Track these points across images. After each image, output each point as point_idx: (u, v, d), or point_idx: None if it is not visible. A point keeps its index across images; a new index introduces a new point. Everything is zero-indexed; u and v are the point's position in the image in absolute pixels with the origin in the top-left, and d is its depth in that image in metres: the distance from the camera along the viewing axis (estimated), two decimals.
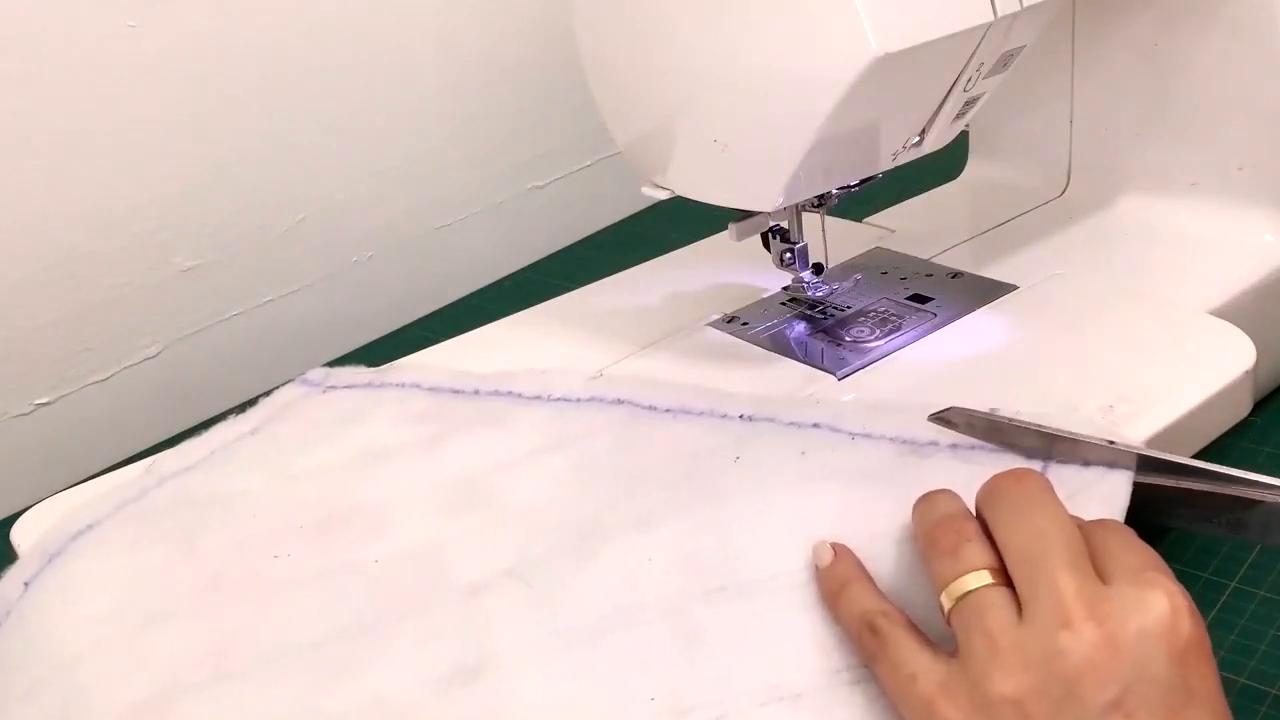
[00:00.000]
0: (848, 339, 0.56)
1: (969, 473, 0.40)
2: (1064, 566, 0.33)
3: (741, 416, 0.48)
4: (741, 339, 0.57)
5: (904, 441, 0.44)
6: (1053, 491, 0.36)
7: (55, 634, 0.43)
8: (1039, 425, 0.43)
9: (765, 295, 0.61)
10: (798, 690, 0.37)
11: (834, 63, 0.44)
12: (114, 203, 0.71)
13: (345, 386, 0.57)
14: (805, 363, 0.54)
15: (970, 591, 0.34)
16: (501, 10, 0.86)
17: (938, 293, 0.59)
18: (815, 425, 0.46)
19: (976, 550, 0.35)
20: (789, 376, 0.53)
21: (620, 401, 0.51)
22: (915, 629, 0.36)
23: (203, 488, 0.50)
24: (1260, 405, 0.55)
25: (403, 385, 0.56)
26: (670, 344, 0.58)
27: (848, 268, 0.63)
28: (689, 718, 0.37)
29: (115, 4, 0.68)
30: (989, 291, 0.58)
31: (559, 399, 0.52)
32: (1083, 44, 0.63)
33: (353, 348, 0.81)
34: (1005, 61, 0.51)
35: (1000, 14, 0.46)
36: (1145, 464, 0.41)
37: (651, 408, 0.50)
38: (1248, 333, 0.50)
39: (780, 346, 0.56)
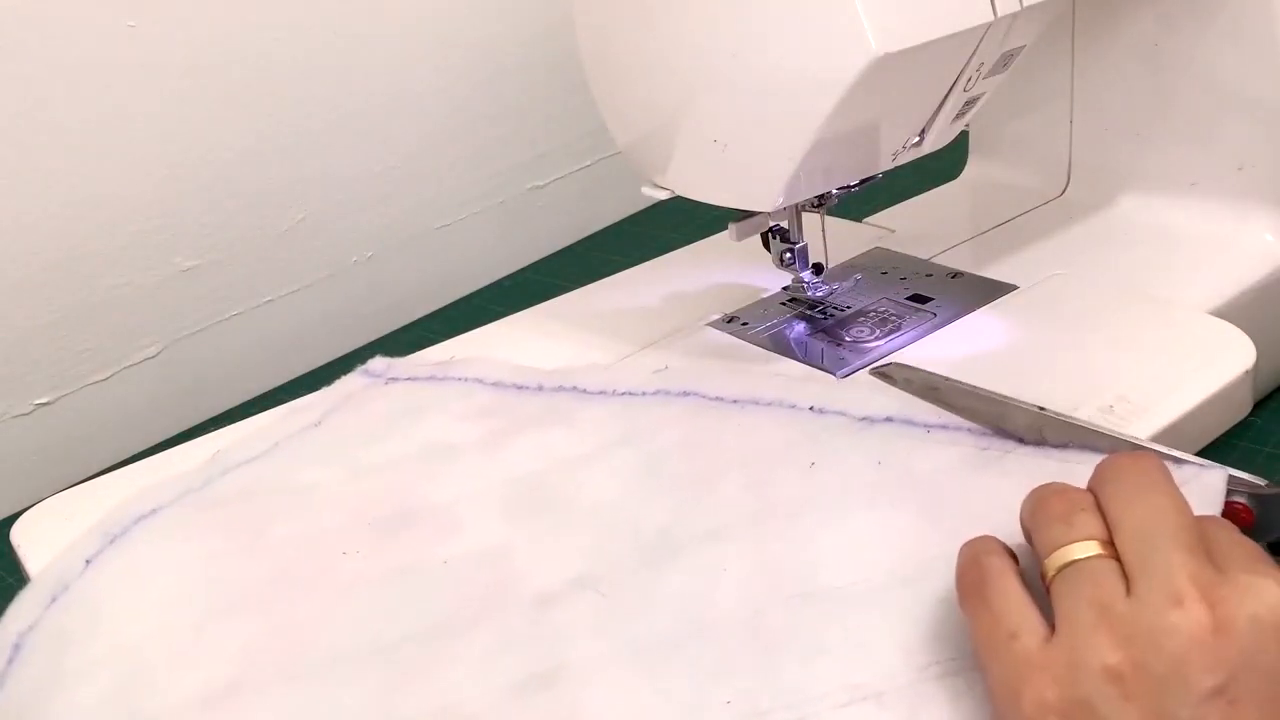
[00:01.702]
0: (848, 339, 0.56)
1: (1054, 470, 0.39)
2: (1179, 547, 0.31)
3: (811, 408, 0.47)
4: (741, 339, 0.57)
5: (981, 434, 0.44)
6: (1170, 475, 0.34)
7: (117, 615, 0.43)
8: (972, 386, 0.43)
9: (765, 295, 0.61)
10: (880, 689, 0.36)
11: (834, 63, 0.44)
12: (114, 203, 0.71)
13: (407, 379, 0.56)
14: (805, 363, 0.54)
15: (1077, 560, 0.33)
16: (501, 10, 0.86)
17: (938, 293, 0.59)
18: (889, 419, 0.46)
19: (1090, 520, 0.33)
20: (789, 376, 0.53)
21: (687, 394, 0.50)
22: (1024, 583, 0.34)
23: (268, 478, 0.50)
24: (1260, 405, 0.55)
25: (464, 380, 0.55)
26: (670, 344, 0.58)
27: (848, 268, 0.63)
28: (769, 719, 0.36)
29: (115, 4, 0.68)
30: (989, 291, 0.58)
31: (624, 394, 0.52)
32: (1083, 44, 0.63)
33: (353, 348, 0.81)
34: (1005, 61, 0.51)
35: (1000, 14, 0.46)
36: (1073, 431, 0.42)
37: (719, 399, 0.49)
38: (1248, 333, 0.50)
39: (780, 346, 0.56)
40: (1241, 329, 0.50)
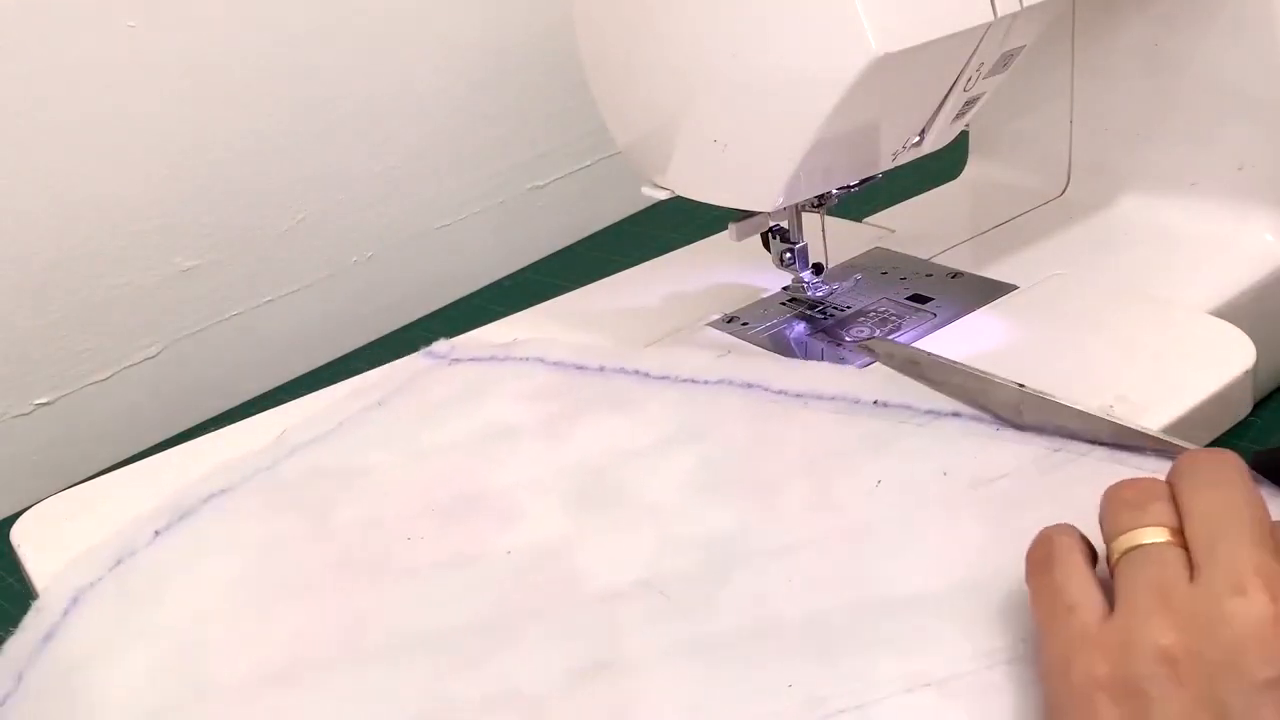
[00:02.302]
0: (848, 339, 0.56)
1: (1129, 474, 0.38)
2: (1248, 540, 0.31)
3: (876, 402, 0.47)
4: (741, 339, 0.57)
5: (1053, 434, 0.43)
6: (1246, 471, 0.34)
7: (183, 585, 0.44)
8: (953, 362, 0.44)
9: (765, 295, 0.61)
10: (943, 676, 0.35)
11: (834, 63, 0.44)
12: (114, 203, 0.71)
13: (470, 359, 0.57)
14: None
15: (1143, 544, 0.32)
16: (501, 10, 0.86)
17: (938, 293, 0.59)
18: (955, 414, 0.45)
19: (1163, 509, 0.33)
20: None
21: (750, 385, 0.50)
22: (1088, 556, 0.34)
23: (332, 460, 0.51)
24: (1260, 405, 0.55)
25: (526, 359, 0.56)
26: (670, 344, 0.58)
27: (848, 268, 0.63)
28: (827, 705, 0.35)
29: (115, 4, 0.68)
30: (989, 291, 0.58)
31: (686, 380, 0.52)
32: (1083, 44, 0.63)
33: (353, 348, 0.81)
34: (1005, 61, 0.51)
35: (1000, 14, 0.46)
36: (1051, 408, 0.43)
37: (782, 392, 0.49)
38: (1248, 333, 0.50)
39: (780, 346, 0.56)
40: (1241, 329, 0.50)
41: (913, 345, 0.48)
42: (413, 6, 0.82)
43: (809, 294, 0.59)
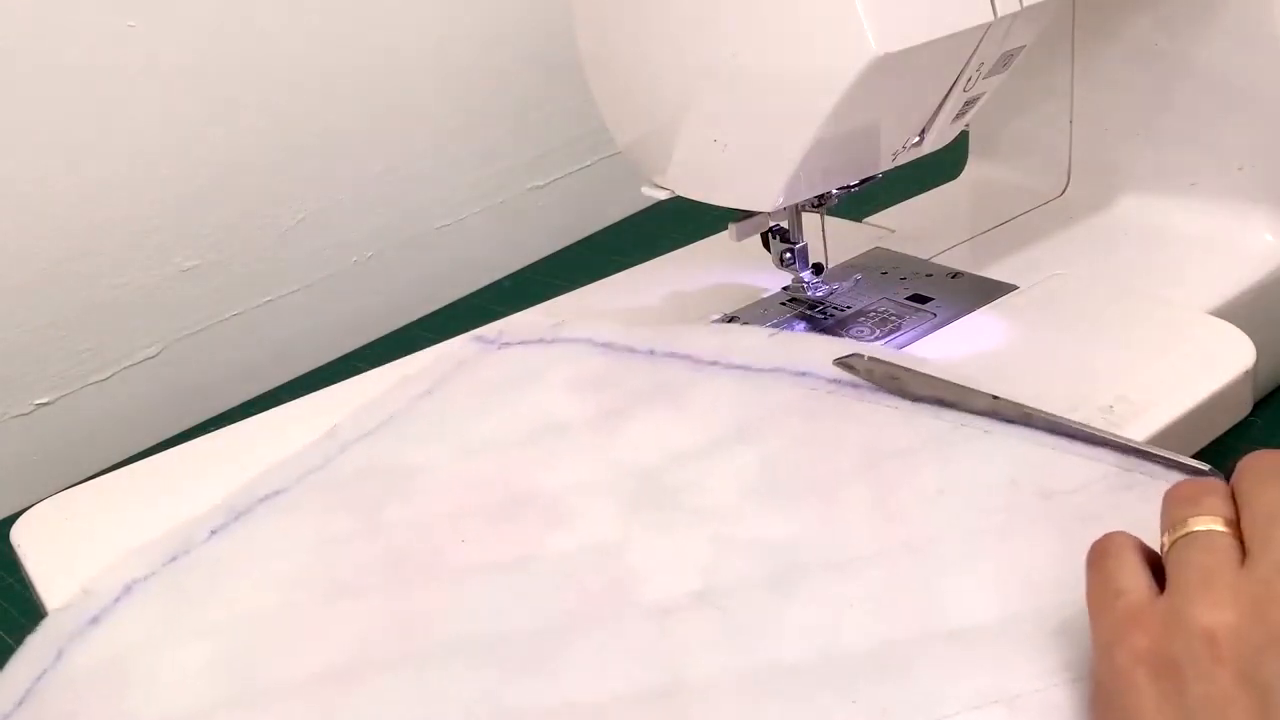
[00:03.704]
0: (848, 339, 0.56)
1: None
2: None
3: (941, 401, 0.46)
4: None
5: (1124, 453, 0.42)
6: None
7: (238, 584, 0.44)
8: (929, 375, 0.44)
9: (765, 295, 0.61)
10: (1014, 692, 0.35)
11: (834, 63, 0.44)
12: (114, 203, 0.71)
13: (519, 343, 0.56)
14: None
15: (1195, 531, 0.32)
16: (501, 10, 0.86)
17: (938, 293, 0.59)
18: (1024, 422, 0.44)
19: (1218, 503, 0.33)
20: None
21: (804, 374, 0.49)
22: (1144, 555, 0.34)
23: (384, 456, 0.50)
24: (1260, 405, 0.55)
25: (576, 340, 0.55)
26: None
27: (848, 268, 0.63)
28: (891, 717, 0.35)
29: (115, 4, 0.68)
30: (989, 291, 0.58)
31: (738, 366, 0.51)
32: (1083, 44, 0.63)
33: (353, 348, 0.81)
34: (1005, 61, 0.51)
35: (1000, 14, 0.46)
36: (1026, 420, 0.43)
37: (837, 381, 0.48)
38: (1248, 333, 0.50)
39: None
40: (1241, 329, 0.50)
41: (890, 361, 0.48)
42: (413, 7, 0.82)
43: (809, 294, 0.59)
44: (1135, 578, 0.33)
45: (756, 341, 0.52)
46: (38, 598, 0.46)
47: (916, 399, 0.46)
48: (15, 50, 0.65)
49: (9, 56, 0.65)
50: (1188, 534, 0.33)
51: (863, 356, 0.49)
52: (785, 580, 0.40)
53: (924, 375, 0.47)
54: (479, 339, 0.57)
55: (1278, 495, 0.32)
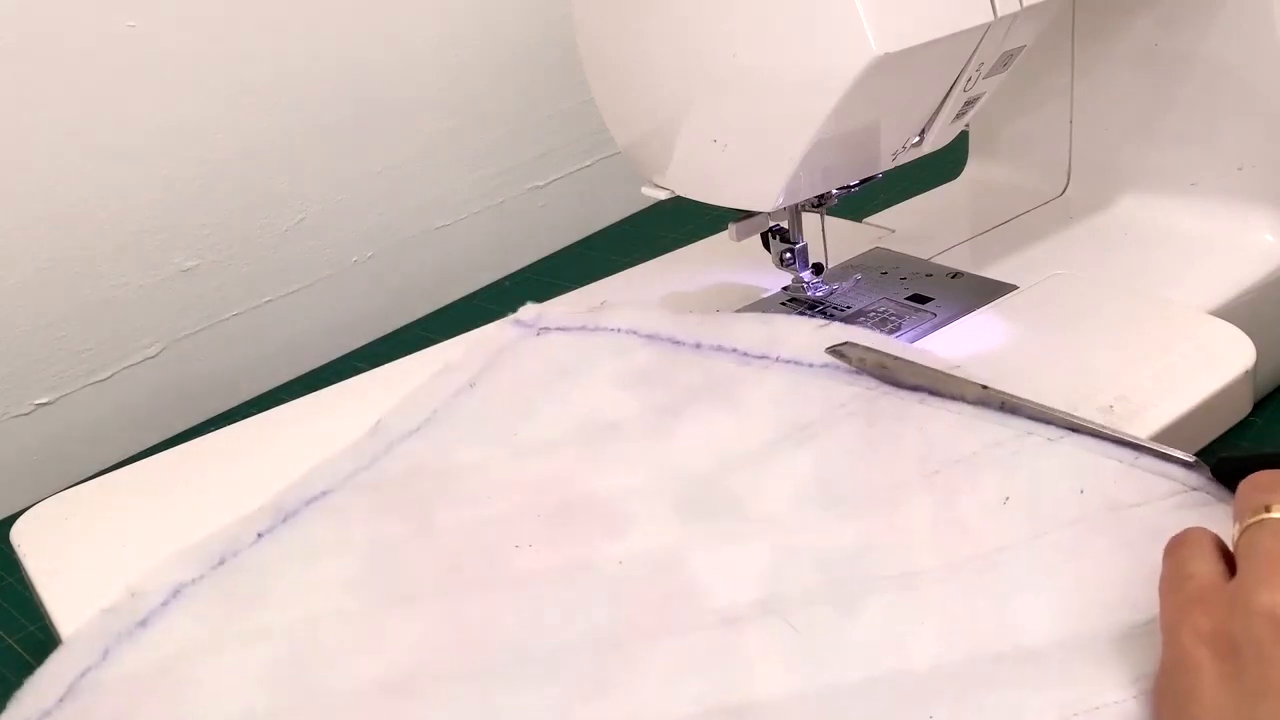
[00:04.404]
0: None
1: None
2: None
3: (1003, 407, 0.45)
4: None
5: (1188, 469, 0.41)
6: None
7: (290, 588, 0.43)
8: (920, 364, 0.44)
9: (765, 295, 0.61)
10: (1094, 704, 0.34)
11: (834, 63, 0.44)
12: (114, 203, 0.71)
13: (559, 329, 0.54)
14: None
15: (1265, 518, 0.32)
16: (501, 10, 0.86)
17: (938, 293, 0.59)
18: (1093, 434, 0.43)
19: None
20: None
21: (859, 372, 0.48)
22: (1219, 548, 0.34)
23: (431, 456, 0.49)
24: (1260, 405, 0.55)
25: (619, 331, 0.54)
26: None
27: (848, 268, 0.63)
28: None
29: (115, 4, 0.68)
30: (989, 291, 0.58)
31: (790, 361, 0.49)
32: (1083, 44, 0.63)
33: (353, 348, 0.81)
34: (1005, 61, 0.51)
35: (1000, 14, 0.46)
36: (1012, 409, 0.43)
37: (896, 383, 0.47)
38: (1248, 333, 0.50)
39: None
40: (1241, 329, 0.50)
41: (880, 350, 0.48)
42: (413, 6, 0.82)
43: (809, 294, 0.59)
44: (1206, 563, 0.33)
45: (806, 336, 0.50)
46: (38, 598, 0.46)
47: (912, 388, 0.46)
48: (15, 50, 0.65)
49: (9, 56, 0.65)
50: (1259, 520, 0.33)
51: (853, 345, 0.48)
52: (850, 594, 0.39)
53: (914, 364, 0.47)
54: (517, 323, 0.56)
55: None
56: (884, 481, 0.43)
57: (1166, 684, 0.32)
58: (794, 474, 0.45)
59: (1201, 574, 0.33)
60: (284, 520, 0.46)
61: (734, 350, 0.51)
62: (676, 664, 0.38)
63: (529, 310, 0.56)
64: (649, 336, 0.53)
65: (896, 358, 0.47)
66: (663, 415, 0.49)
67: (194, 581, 0.43)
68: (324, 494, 0.47)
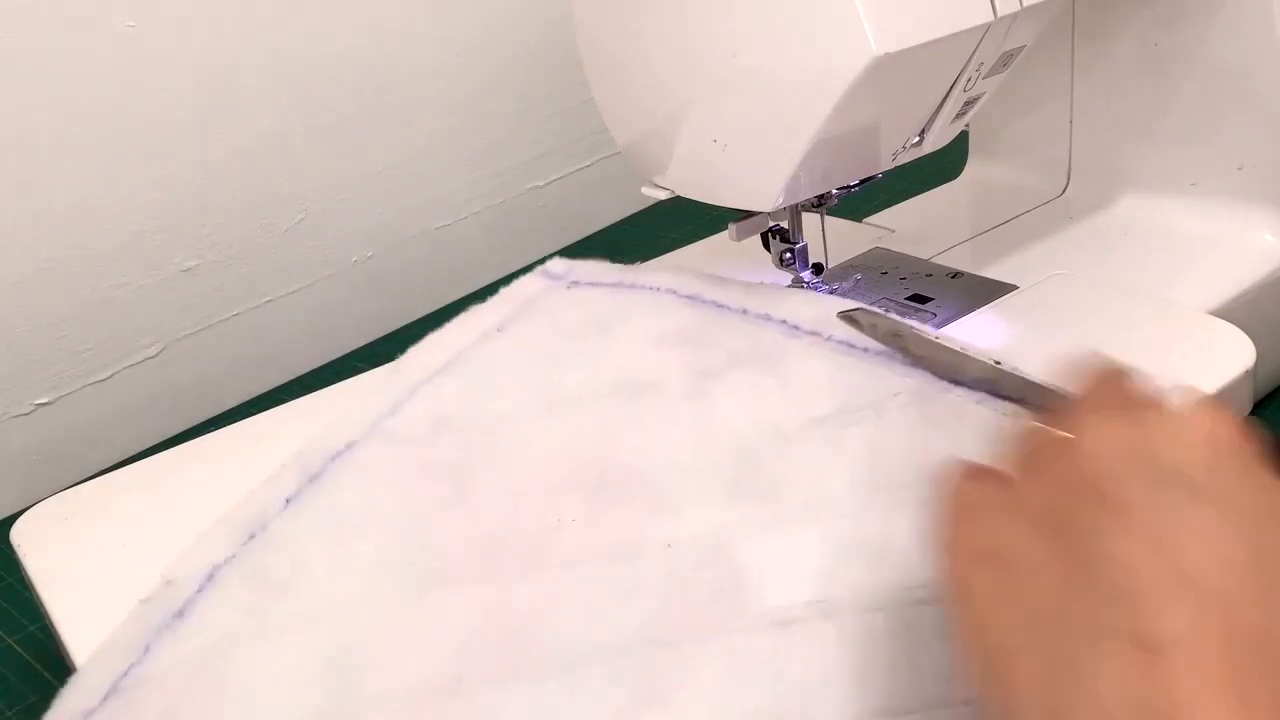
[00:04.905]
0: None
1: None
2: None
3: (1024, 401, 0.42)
4: None
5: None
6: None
7: (326, 566, 0.41)
8: (932, 336, 0.43)
9: None
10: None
11: (834, 63, 0.44)
12: (114, 203, 0.71)
13: (590, 283, 0.52)
14: None
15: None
16: (501, 10, 0.86)
17: (938, 293, 0.59)
18: None
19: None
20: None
21: (914, 365, 0.45)
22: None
23: (458, 405, 0.46)
24: (1260, 405, 0.55)
25: (656, 289, 0.51)
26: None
27: (848, 268, 0.63)
28: None
29: (115, 4, 0.68)
30: (989, 291, 0.58)
31: (842, 342, 0.47)
32: (1083, 44, 0.63)
33: (353, 348, 0.81)
34: (1005, 61, 0.51)
35: (1000, 14, 0.46)
36: (1025, 386, 0.42)
37: (956, 382, 0.44)
38: (1248, 333, 0.50)
39: None
40: (1241, 329, 0.50)
41: (895, 318, 0.46)
42: (413, 6, 0.82)
43: None
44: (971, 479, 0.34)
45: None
46: (38, 598, 0.46)
47: (917, 359, 0.45)
48: (15, 50, 0.65)
49: (9, 56, 0.65)
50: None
51: (865, 311, 0.47)
52: (908, 601, 0.37)
53: (924, 337, 0.45)
54: (545, 274, 0.53)
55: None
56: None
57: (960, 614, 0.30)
58: (845, 456, 0.43)
59: (968, 489, 0.32)
60: (311, 481, 0.44)
61: (783, 322, 0.49)
62: (731, 671, 0.36)
63: (559, 263, 0.54)
64: (690, 297, 0.51)
65: (910, 326, 0.45)
66: (704, 378, 0.46)
67: (226, 562, 0.41)
68: (348, 446, 0.45)
